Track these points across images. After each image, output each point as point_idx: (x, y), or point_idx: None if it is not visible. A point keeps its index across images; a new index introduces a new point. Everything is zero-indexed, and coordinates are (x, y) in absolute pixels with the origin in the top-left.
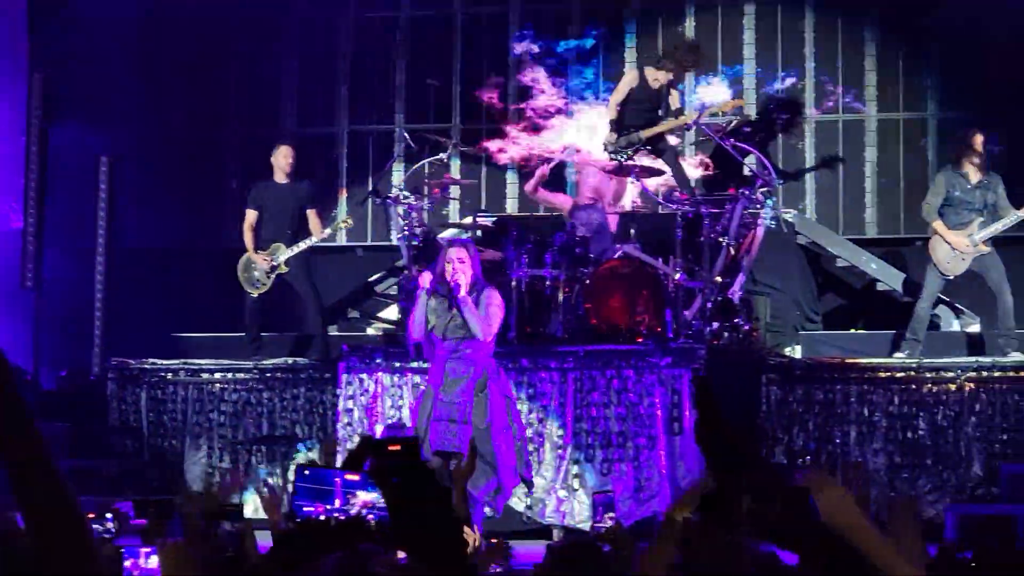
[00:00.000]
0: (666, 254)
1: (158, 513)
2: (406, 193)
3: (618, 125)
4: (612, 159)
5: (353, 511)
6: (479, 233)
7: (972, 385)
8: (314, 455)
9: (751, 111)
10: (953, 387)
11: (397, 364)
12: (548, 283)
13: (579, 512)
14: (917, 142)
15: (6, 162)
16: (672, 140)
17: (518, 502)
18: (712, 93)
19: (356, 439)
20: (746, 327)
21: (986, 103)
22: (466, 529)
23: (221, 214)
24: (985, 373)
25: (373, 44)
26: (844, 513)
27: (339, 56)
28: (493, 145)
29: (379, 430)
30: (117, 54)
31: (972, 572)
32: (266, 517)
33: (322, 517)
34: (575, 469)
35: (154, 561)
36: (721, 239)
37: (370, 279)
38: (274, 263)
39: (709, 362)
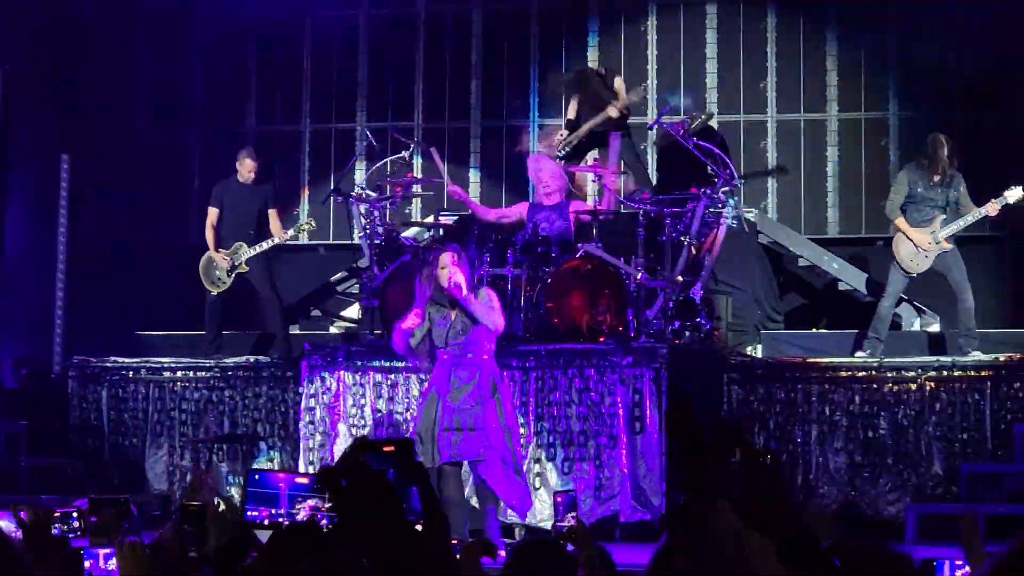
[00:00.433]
0: (628, 253)
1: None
2: (368, 192)
3: (573, 125)
4: (557, 156)
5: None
6: (441, 232)
7: (933, 384)
8: (276, 457)
9: (713, 110)
10: (914, 386)
11: (359, 363)
12: (510, 282)
13: (541, 511)
14: (879, 142)
15: None
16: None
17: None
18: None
19: (318, 436)
20: (707, 326)
21: (946, 103)
22: None
23: (183, 212)
24: (946, 372)
25: (335, 42)
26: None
27: (301, 55)
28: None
29: (341, 429)
30: (81, 51)
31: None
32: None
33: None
34: (536, 468)
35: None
36: (683, 238)
37: (332, 278)
38: (235, 263)
39: (670, 361)
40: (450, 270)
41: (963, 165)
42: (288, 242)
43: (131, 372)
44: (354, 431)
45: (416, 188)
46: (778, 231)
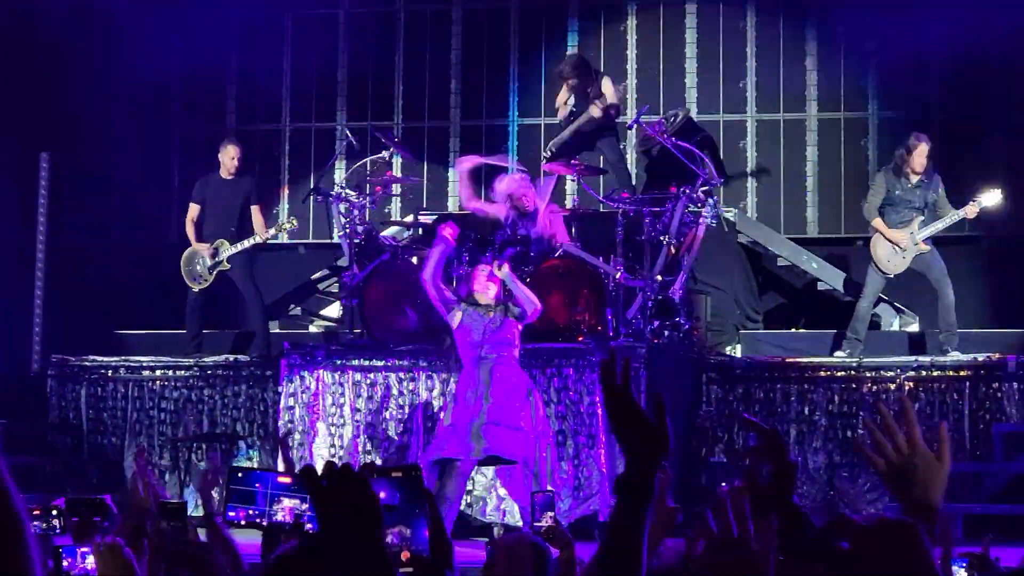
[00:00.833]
0: (607, 253)
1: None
2: (348, 191)
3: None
4: (544, 157)
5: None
6: (420, 231)
7: (911, 384)
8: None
9: (693, 109)
10: (893, 386)
11: (338, 362)
12: (454, 280)
13: (519, 510)
14: (858, 142)
15: None
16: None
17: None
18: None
19: (297, 435)
20: (687, 326)
21: (926, 103)
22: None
23: (163, 211)
24: (924, 372)
25: (315, 41)
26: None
27: (281, 54)
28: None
29: (320, 428)
30: (59, 48)
31: None
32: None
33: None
34: None
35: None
36: (662, 238)
37: (312, 276)
38: (217, 260)
39: (649, 361)
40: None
41: (941, 167)
42: (268, 241)
43: (110, 371)
44: (333, 430)
45: (396, 187)
46: (757, 231)
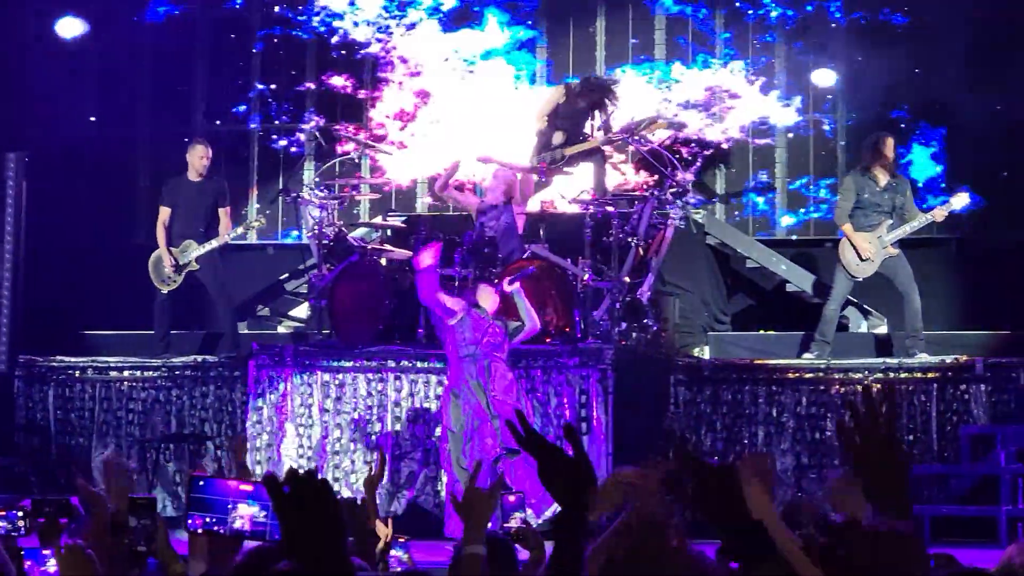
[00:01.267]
0: (575, 254)
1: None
2: (316, 192)
3: (546, 138)
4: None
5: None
6: (389, 232)
7: (879, 386)
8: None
9: (660, 111)
10: (861, 388)
11: (307, 362)
12: (457, 282)
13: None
14: (827, 144)
15: None
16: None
17: (426, 500)
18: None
19: (265, 436)
20: (655, 328)
21: (893, 107)
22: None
23: (130, 211)
24: (892, 374)
25: (283, 42)
26: (760, 505)
27: (250, 54)
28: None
29: (289, 429)
30: (25, 49)
31: None
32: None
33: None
34: None
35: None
36: (630, 239)
37: (280, 277)
38: (184, 261)
39: (617, 362)
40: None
41: (908, 171)
42: (237, 241)
43: (78, 371)
44: (301, 430)
45: (364, 188)
46: (726, 232)
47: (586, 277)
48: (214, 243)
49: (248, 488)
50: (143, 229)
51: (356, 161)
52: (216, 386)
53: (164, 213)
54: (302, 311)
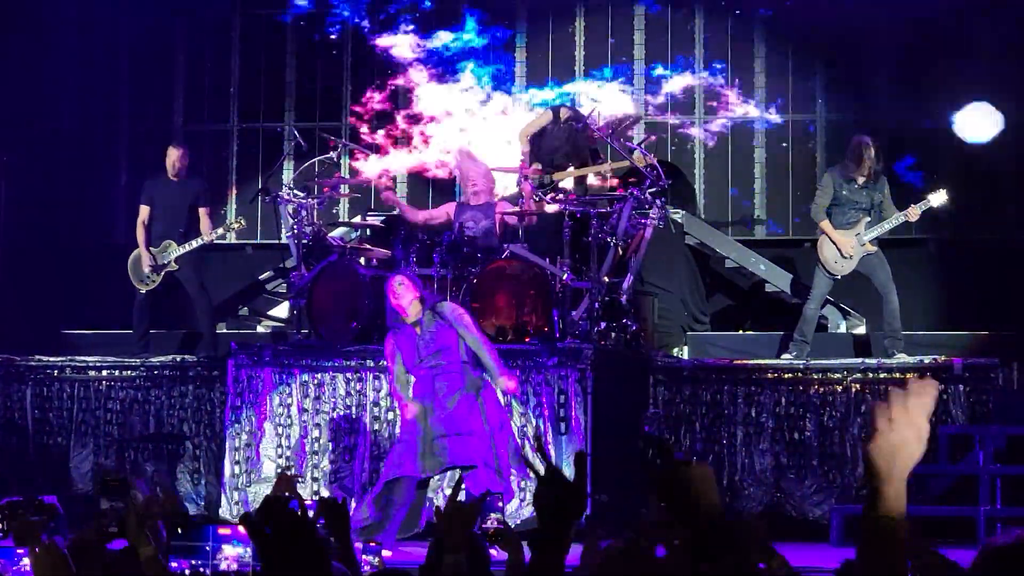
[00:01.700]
0: (554, 254)
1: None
2: (296, 192)
3: (531, 159)
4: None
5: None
6: (368, 232)
7: (858, 386)
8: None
9: (640, 111)
10: (840, 388)
11: (286, 362)
12: (436, 282)
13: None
14: (805, 144)
15: None
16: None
17: None
18: (611, 102)
19: (244, 436)
20: (634, 327)
21: (872, 105)
22: None
23: (110, 210)
24: (871, 375)
25: (263, 41)
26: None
27: (229, 54)
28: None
29: (268, 428)
30: (3, 47)
31: None
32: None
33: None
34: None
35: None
36: (609, 239)
37: (260, 277)
38: (164, 261)
39: (596, 362)
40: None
41: (887, 168)
42: (216, 241)
43: (56, 371)
44: (280, 430)
45: (344, 188)
46: (705, 232)
47: (565, 277)
48: (194, 243)
49: (225, 531)
50: (122, 228)
51: (335, 161)
52: (195, 386)
53: (144, 212)
54: (281, 311)
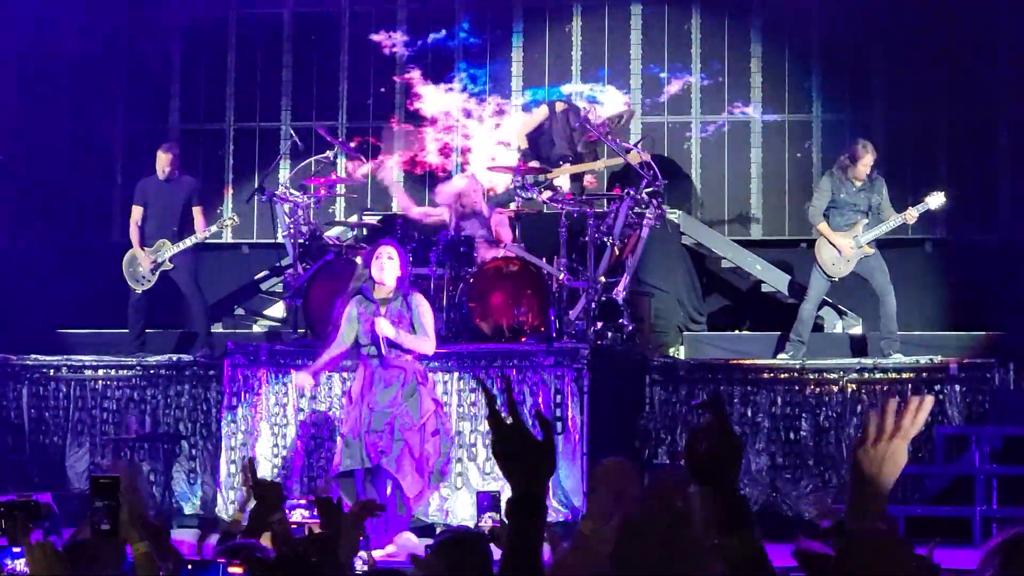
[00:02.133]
0: (550, 254)
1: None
2: (292, 191)
3: (530, 157)
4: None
5: None
6: (364, 232)
7: (854, 387)
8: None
9: (637, 111)
10: (835, 388)
11: (281, 361)
12: (432, 282)
13: (462, 510)
14: (802, 144)
15: None
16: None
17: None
18: (608, 103)
19: (240, 435)
20: (630, 327)
21: (869, 106)
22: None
23: (106, 209)
24: (867, 375)
25: (259, 40)
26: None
27: (226, 52)
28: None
29: (263, 428)
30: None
31: None
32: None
33: None
34: (458, 468)
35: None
36: (606, 239)
37: (256, 276)
38: (159, 260)
39: (592, 362)
40: (380, 262)
41: (885, 170)
42: (212, 240)
43: (52, 370)
44: (276, 430)
45: (340, 188)
46: (702, 232)
47: (562, 277)
48: (188, 242)
49: (238, 571)
50: (118, 228)
51: (332, 160)
52: (191, 385)
53: (137, 213)
54: (277, 310)
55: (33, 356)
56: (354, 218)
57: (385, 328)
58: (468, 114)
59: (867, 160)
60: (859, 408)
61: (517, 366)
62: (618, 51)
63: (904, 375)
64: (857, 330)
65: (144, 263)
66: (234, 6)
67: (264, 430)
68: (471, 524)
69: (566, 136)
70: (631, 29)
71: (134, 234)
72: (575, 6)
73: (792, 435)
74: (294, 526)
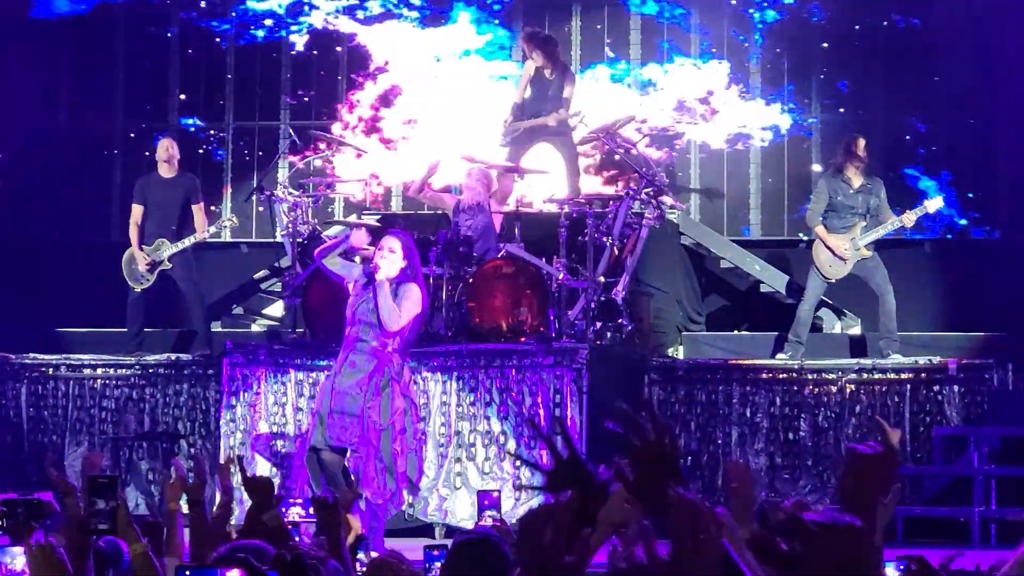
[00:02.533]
0: (550, 254)
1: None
2: (291, 190)
3: (519, 111)
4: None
5: None
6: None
7: (853, 387)
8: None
9: (634, 112)
10: (834, 389)
11: (280, 361)
12: (432, 281)
13: (461, 510)
14: (801, 144)
15: None
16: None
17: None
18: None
19: (239, 435)
20: (629, 327)
21: (868, 107)
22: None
23: (105, 208)
24: (866, 375)
25: (258, 40)
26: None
27: (224, 52)
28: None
29: (262, 427)
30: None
31: None
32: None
33: None
34: (457, 467)
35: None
36: (605, 239)
37: (255, 276)
38: (157, 259)
39: (592, 362)
40: (384, 254)
41: (884, 172)
42: (211, 239)
43: (51, 369)
44: (275, 428)
45: (338, 187)
46: (700, 232)
47: (561, 277)
48: (187, 241)
49: (234, 574)
50: (117, 226)
51: (331, 159)
52: (190, 384)
53: (136, 211)
54: (276, 310)
55: (32, 355)
56: (353, 217)
57: (387, 267)
58: (465, 113)
59: (861, 152)
60: (858, 408)
61: (516, 366)
62: (617, 51)
63: (903, 375)
64: (856, 330)
65: (142, 262)
66: (232, 5)
67: (263, 429)
68: (471, 524)
69: (542, 89)
70: (630, 29)
71: (133, 233)
72: (574, 5)
73: (791, 435)
74: (291, 526)
